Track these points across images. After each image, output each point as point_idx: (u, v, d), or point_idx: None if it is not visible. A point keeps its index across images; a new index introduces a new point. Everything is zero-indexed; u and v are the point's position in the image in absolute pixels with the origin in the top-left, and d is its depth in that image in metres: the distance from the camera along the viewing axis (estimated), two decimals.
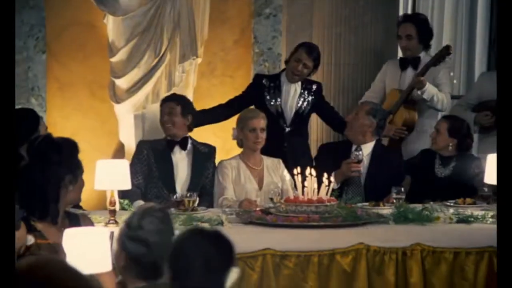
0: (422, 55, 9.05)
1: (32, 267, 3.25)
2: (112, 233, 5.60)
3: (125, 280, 4.76)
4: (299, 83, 8.70)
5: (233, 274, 4.46)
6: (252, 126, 7.97)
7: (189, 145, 8.14)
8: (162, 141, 8.17)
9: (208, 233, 4.62)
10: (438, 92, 8.86)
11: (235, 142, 8.22)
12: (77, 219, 5.88)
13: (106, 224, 6.80)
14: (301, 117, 8.76)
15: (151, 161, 8.04)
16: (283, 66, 8.92)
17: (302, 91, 8.71)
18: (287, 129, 8.68)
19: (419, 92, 8.80)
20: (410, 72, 9.05)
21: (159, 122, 8.20)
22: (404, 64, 9.08)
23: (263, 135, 7.99)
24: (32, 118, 7.55)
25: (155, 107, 8.56)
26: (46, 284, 3.16)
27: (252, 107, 8.62)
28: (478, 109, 9.04)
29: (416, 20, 9.14)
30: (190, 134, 8.22)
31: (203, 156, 8.18)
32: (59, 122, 7.80)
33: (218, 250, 4.44)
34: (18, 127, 6.93)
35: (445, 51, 9.01)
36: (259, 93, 8.69)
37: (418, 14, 9.55)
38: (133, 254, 4.79)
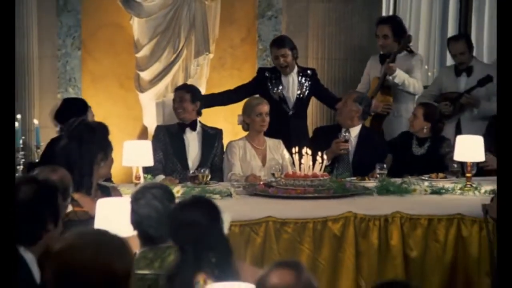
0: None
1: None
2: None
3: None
4: (295, 72, 8.64)
5: (226, 220, 4.59)
6: (259, 111, 7.94)
7: (198, 128, 8.08)
8: (175, 125, 8.13)
9: (191, 202, 4.73)
10: (408, 77, 8.83)
11: (240, 126, 8.21)
12: (107, 191, 5.92)
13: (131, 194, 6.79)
14: (301, 101, 8.70)
15: (167, 142, 8.00)
16: None
17: (299, 79, 8.64)
18: (290, 112, 8.63)
19: (391, 78, 8.77)
20: None
21: (172, 108, 8.19)
22: (382, 59, 9.01)
23: (267, 119, 7.97)
24: (82, 106, 7.51)
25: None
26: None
27: (257, 95, 8.57)
28: (439, 100, 9.02)
29: (392, 22, 9.11)
30: (204, 118, 8.20)
31: (211, 137, 8.12)
32: (92, 108, 7.83)
33: (206, 211, 4.49)
34: (70, 113, 7.07)
35: (407, 40, 9.02)
36: (263, 83, 8.64)
37: (394, 16, 9.54)
38: (132, 222, 4.86)
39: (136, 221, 4.86)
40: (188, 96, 8.07)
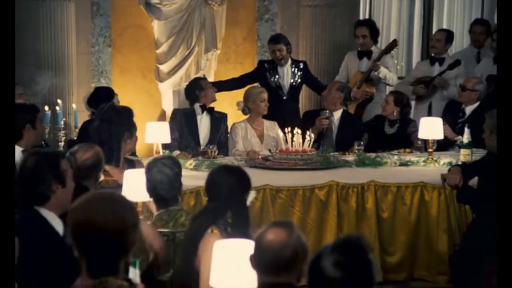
0: (373, 48, 8.96)
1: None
2: None
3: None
4: (289, 64, 8.60)
5: (251, 195, 4.53)
6: (262, 98, 7.93)
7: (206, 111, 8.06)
8: (190, 108, 8.09)
9: (231, 167, 4.78)
10: (388, 72, 8.80)
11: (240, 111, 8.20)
12: (133, 164, 5.93)
13: None
14: (294, 88, 8.67)
15: (182, 122, 7.97)
16: None
17: (293, 69, 8.60)
18: (285, 97, 8.60)
19: (376, 73, 8.74)
20: (365, 60, 8.95)
21: (206, 94, 8.11)
22: (361, 55, 8.98)
23: (267, 104, 7.97)
24: (109, 93, 7.52)
25: None
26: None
27: (257, 84, 8.54)
28: (415, 83, 8.95)
29: (368, 24, 9.05)
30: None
31: (218, 119, 8.08)
32: (120, 95, 7.80)
33: (239, 178, 4.51)
34: (99, 99, 7.06)
35: (394, 44, 8.94)
36: (262, 73, 8.62)
37: (370, 19, 9.44)
38: (148, 190, 4.91)
39: (151, 187, 4.90)
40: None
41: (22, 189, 4.26)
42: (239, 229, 4.29)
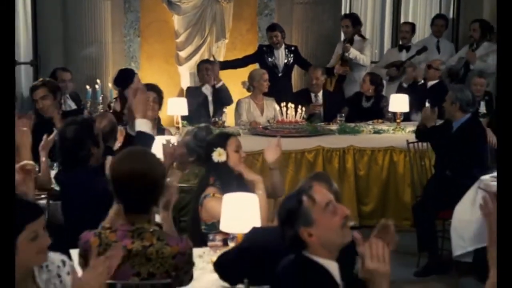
0: (355, 37, 8.86)
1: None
2: (176, 138, 5.53)
3: (183, 165, 4.69)
4: (284, 47, 8.52)
5: (216, 154, 4.38)
6: (264, 78, 7.85)
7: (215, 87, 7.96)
8: (200, 86, 8.01)
9: (217, 134, 4.74)
10: (359, 54, 8.69)
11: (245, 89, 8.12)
12: (163, 131, 5.92)
13: (174, 134, 6.68)
14: (288, 67, 8.58)
15: (195, 96, 7.86)
16: None
17: (286, 52, 8.54)
18: (280, 75, 8.51)
19: (347, 54, 8.67)
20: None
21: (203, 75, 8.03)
22: (345, 42, 8.84)
23: (268, 83, 7.90)
24: (132, 74, 7.27)
25: None
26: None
27: (257, 64, 8.51)
28: (389, 66, 8.89)
29: (351, 17, 8.98)
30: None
31: (221, 92, 7.92)
32: (146, 77, 7.83)
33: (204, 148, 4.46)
34: (123, 79, 7.00)
35: (357, 29, 8.93)
36: (261, 55, 8.55)
37: (352, 13, 9.35)
38: (191, 151, 4.77)
39: (194, 150, 4.78)
40: (209, 66, 7.99)
41: (66, 156, 4.28)
42: (225, 186, 4.19)
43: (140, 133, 4.12)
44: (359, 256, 2.58)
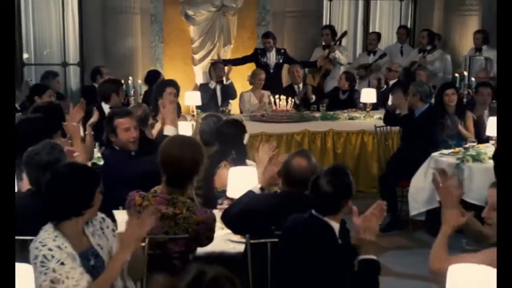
0: (332, 43, 8.76)
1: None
2: (192, 124, 5.63)
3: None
4: (275, 50, 8.40)
5: (246, 137, 4.46)
6: (260, 77, 7.83)
7: (222, 84, 7.90)
8: (211, 82, 7.91)
9: (229, 120, 4.60)
10: (341, 55, 8.68)
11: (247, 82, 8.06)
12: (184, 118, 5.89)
13: (190, 120, 6.68)
14: (278, 66, 8.45)
15: (206, 91, 7.76)
16: None
17: (276, 54, 8.42)
18: (271, 71, 8.36)
19: (332, 54, 8.63)
20: (327, 51, 8.75)
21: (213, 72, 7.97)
22: (324, 47, 8.83)
23: (262, 81, 7.86)
24: (157, 74, 7.41)
25: None
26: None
27: (254, 63, 8.43)
28: (358, 68, 8.83)
29: (330, 28, 8.95)
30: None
31: (229, 88, 7.87)
32: (169, 74, 7.79)
33: (238, 128, 4.43)
34: (151, 78, 7.03)
35: (345, 34, 8.93)
36: (256, 56, 8.45)
37: (331, 25, 9.24)
38: (202, 136, 4.73)
39: (200, 133, 4.79)
40: (221, 65, 7.98)
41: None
42: (240, 160, 4.22)
43: (165, 136, 4.00)
44: (353, 226, 2.77)
